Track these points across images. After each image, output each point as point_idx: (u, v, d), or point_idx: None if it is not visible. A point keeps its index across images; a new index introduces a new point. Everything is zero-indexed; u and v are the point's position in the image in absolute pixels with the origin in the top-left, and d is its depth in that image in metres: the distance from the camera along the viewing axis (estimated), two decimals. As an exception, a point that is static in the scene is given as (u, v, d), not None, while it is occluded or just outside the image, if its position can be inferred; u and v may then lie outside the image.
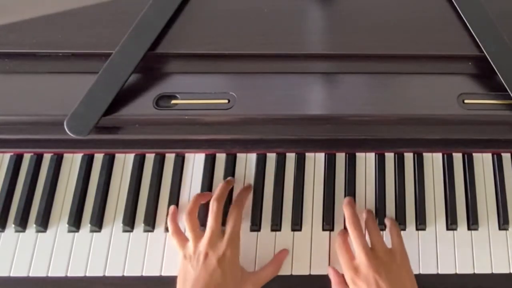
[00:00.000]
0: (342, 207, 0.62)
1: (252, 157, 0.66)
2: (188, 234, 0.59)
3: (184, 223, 0.60)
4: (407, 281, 0.55)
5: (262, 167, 0.65)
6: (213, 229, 0.57)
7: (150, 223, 0.62)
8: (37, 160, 0.66)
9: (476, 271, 0.61)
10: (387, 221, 0.62)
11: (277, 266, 0.59)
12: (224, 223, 0.60)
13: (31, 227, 0.63)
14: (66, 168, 0.66)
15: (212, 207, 0.59)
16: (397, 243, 0.58)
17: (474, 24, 0.58)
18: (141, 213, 0.63)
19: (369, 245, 0.57)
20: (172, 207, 0.63)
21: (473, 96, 0.57)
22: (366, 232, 0.60)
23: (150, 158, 0.66)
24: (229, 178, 0.64)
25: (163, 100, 0.57)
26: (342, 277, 0.58)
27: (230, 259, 0.55)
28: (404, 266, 0.56)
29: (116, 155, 0.66)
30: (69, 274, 0.60)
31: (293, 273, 0.61)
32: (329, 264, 0.61)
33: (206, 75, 0.59)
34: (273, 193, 0.64)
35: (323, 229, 0.63)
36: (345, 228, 0.62)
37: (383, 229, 0.62)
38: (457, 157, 0.66)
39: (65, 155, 0.67)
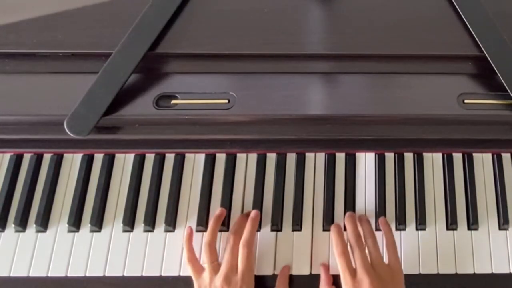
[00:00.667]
0: (345, 219, 0.62)
1: (252, 157, 0.66)
2: (206, 265, 0.59)
3: (202, 254, 0.60)
4: None
5: (262, 167, 0.65)
6: (229, 264, 0.57)
7: (150, 223, 0.62)
8: (37, 160, 0.66)
9: (476, 271, 0.61)
10: (384, 235, 0.61)
11: (285, 284, 0.60)
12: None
13: (31, 227, 0.63)
14: (66, 168, 0.66)
15: (230, 241, 0.59)
16: (393, 260, 0.58)
17: (474, 24, 0.58)
18: (141, 213, 0.63)
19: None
20: (188, 228, 0.62)
21: (473, 96, 0.57)
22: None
23: (150, 158, 0.66)
24: (255, 214, 0.62)
25: (163, 100, 0.57)
26: (331, 278, 0.58)
27: None
28: (400, 284, 0.56)
29: (116, 155, 0.66)
30: (69, 274, 0.60)
31: (293, 273, 0.61)
32: (329, 265, 0.61)
33: (206, 75, 0.59)
34: (273, 193, 0.64)
35: (323, 229, 0.63)
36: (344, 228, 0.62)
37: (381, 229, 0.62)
38: (457, 157, 0.66)
39: (65, 155, 0.67)
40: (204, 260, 0.59)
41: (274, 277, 0.60)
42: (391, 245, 0.59)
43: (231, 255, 0.58)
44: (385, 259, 0.58)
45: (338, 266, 0.57)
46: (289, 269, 0.61)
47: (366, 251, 0.58)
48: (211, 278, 0.57)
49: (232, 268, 0.57)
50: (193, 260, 0.60)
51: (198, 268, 0.59)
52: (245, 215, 0.63)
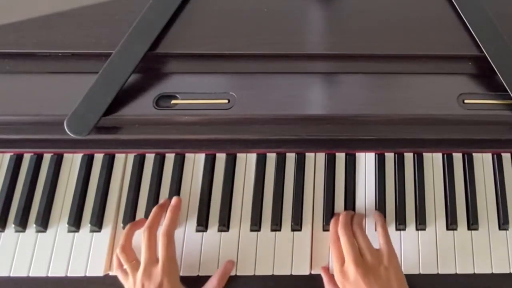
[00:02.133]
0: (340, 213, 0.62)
1: (252, 157, 0.66)
2: (126, 266, 0.58)
3: (120, 258, 0.59)
4: (394, 282, 0.55)
5: (262, 167, 0.65)
6: (146, 259, 0.57)
7: (150, 223, 0.62)
8: (37, 160, 0.66)
9: (476, 271, 0.61)
10: (376, 219, 0.62)
11: (222, 279, 0.59)
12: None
13: (31, 227, 0.63)
14: (66, 168, 0.66)
15: (144, 236, 0.58)
16: (384, 243, 0.58)
17: (474, 24, 0.58)
18: (141, 213, 0.63)
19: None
20: (121, 243, 0.60)
21: (473, 96, 0.57)
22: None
23: (150, 158, 0.66)
24: (162, 202, 0.63)
25: (163, 100, 0.57)
26: (332, 276, 0.58)
27: (168, 285, 0.55)
28: (392, 267, 0.56)
29: (116, 155, 0.66)
30: (69, 274, 0.60)
31: (293, 273, 0.61)
32: (329, 265, 0.61)
33: (206, 75, 0.59)
34: (273, 193, 0.64)
35: (323, 229, 0.63)
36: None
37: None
38: (457, 157, 0.66)
39: (65, 155, 0.66)
40: (123, 263, 0.59)
41: (273, 277, 0.61)
42: (382, 229, 0.60)
43: (147, 249, 0.57)
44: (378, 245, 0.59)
45: (332, 254, 0.58)
46: (232, 266, 0.61)
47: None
48: (133, 277, 0.57)
49: (151, 261, 0.57)
50: (119, 266, 0.60)
51: (124, 273, 0.59)
52: (159, 206, 0.62)
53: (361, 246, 0.57)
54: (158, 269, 0.56)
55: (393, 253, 0.58)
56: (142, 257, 0.57)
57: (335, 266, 0.56)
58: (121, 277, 0.59)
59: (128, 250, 0.59)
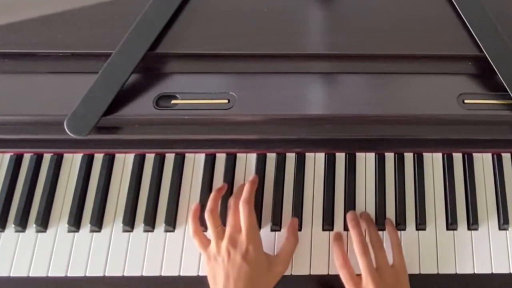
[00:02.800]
0: (348, 224, 0.61)
1: (252, 157, 0.66)
2: (210, 232, 0.59)
3: (206, 222, 0.60)
4: None
5: (262, 167, 0.65)
6: (233, 227, 0.58)
7: (150, 223, 0.62)
8: (37, 160, 0.66)
9: (476, 271, 0.61)
10: (389, 235, 0.61)
11: (295, 236, 0.60)
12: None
13: (31, 227, 0.63)
14: (66, 168, 0.66)
15: (230, 204, 0.60)
16: (399, 261, 0.58)
17: (474, 24, 0.58)
18: (141, 213, 0.63)
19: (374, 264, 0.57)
20: (195, 204, 0.63)
21: (473, 96, 0.57)
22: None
23: (150, 158, 0.66)
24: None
25: (163, 100, 0.57)
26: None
27: (253, 251, 0.56)
28: (405, 285, 0.57)
29: (116, 155, 0.66)
30: (69, 274, 0.60)
31: (293, 273, 0.61)
32: (328, 265, 0.61)
33: (206, 75, 0.59)
34: (273, 193, 0.64)
35: (323, 229, 0.63)
36: (345, 227, 0.62)
37: (383, 229, 0.62)
38: (457, 157, 0.66)
39: (65, 155, 0.66)
40: (209, 228, 0.59)
41: (274, 277, 0.60)
42: (396, 246, 0.60)
43: (233, 217, 0.59)
44: (390, 259, 0.59)
45: (341, 278, 0.57)
46: (297, 221, 0.62)
47: (372, 255, 0.58)
48: (217, 244, 0.57)
49: (236, 229, 0.58)
50: (199, 233, 0.60)
51: (204, 240, 0.59)
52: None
53: (379, 265, 0.57)
54: (243, 237, 0.56)
55: (406, 270, 0.58)
56: (228, 225, 0.58)
57: (349, 285, 0.56)
58: (198, 244, 0.59)
59: (215, 215, 0.60)
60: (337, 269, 0.58)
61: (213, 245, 0.58)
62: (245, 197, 0.59)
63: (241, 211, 0.58)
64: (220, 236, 0.58)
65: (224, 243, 0.57)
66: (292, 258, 0.61)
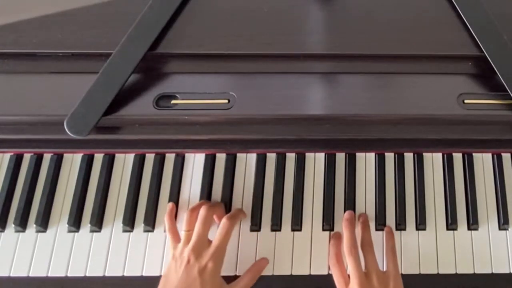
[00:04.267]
0: (342, 223, 0.61)
1: (252, 157, 0.66)
2: (182, 233, 0.58)
3: (184, 220, 0.59)
4: None
5: (262, 167, 0.65)
6: (200, 236, 0.56)
7: (150, 223, 0.62)
8: (37, 160, 0.66)
9: (476, 271, 0.61)
10: (385, 241, 0.61)
11: (255, 275, 0.59)
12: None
13: (31, 227, 0.63)
14: (66, 168, 0.66)
15: (203, 212, 0.58)
16: (392, 267, 0.58)
17: (474, 24, 0.58)
18: (141, 213, 0.63)
19: (364, 269, 0.57)
20: (170, 203, 0.63)
21: (473, 96, 0.57)
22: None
23: (150, 158, 0.66)
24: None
25: (163, 100, 0.57)
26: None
27: (211, 271, 0.54)
28: None
29: (116, 155, 0.66)
30: (69, 274, 0.60)
31: (293, 273, 0.61)
32: (328, 265, 0.61)
33: (206, 75, 0.59)
34: (273, 193, 0.64)
35: (323, 229, 0.63)
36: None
37: (382, 229, 0.62)
38: (457, 157, 0.66)
39: (65, 155, 0.67)
40: (183, 226, 0.59)
41: (273, 277, 0.60)
42: (390, 252, 0.59)
43: (203, 226, 0.57)
44: (385, 266, 0.59)
45: (333, 276, 0.58)
46: (266, 263, 0.60)
47: (362, 258, 0.57)
48: (183, 248, 0.57)
49: (204, 240, 0.57)
50: (173, 231, 0.60)
51: (176, 239, 0.59)
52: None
53: (368, 268, 0.57)
54: (209, 252, 0.55)
55: (400, 278, 0.57)
56: (196, 232, 0.56)
57: (338, 286, 0.56)
58: (170, 241, 0.59)
59: (194, 217, 0.59)
60: (330, 267, 0.59)
61: (180, 245, 0.57)
62: (233, 214, 0.59)
63: (222, 225, 0.57)
64: (188, 240, 0.57)
65: (189, 248, 0.56)
66: (293, 261, 0.61)
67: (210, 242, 0.57)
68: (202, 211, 0.58)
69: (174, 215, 0.62)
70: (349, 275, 0.57)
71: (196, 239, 0.56)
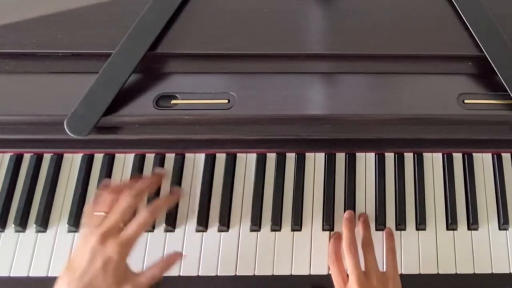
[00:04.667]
0: (342, 222, 0.61)
1: (252, 157, 0.66)
2: (95, 214, 0.54)
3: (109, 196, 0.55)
4: None
5: (262, 167, 0.65)
6: (112, 224, 0.52)
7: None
8: (37, 160, 0.66)
9: (476, 271, 0.61)
10: (385, 242, 0.61)
11: (163, 269, 0.55)
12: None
13: (31, 227, 0.63)
14: (66, 168, 0.66)
15: (124, 198, 0.54)
16: (391, 267, 0.58)
17: (474, 24, 0.58)
18: (141, 213, 0.63)
19: (363, 269, 0.56)
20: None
21: (473, 96, 0.57)
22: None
23: (150, 158, 0.66)
24: (158, 171, 0.60)
25: (163, 100, 0.57)
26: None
27: (116, 263, 0.50)
28: None
29: (116, 155, 0.66)
30: (69, 274, 0.60)
31: (293, 273, 0.61)
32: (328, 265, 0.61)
33: (206, 75, 0.59)
34: (273, 193, 0.64)
35: (323, 229, 0.63)
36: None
37: (383, 229, 0.62)
38: (457, 157, 0.66)
39: (65, 155, 0.67)
40: (101, 205, 0.54)
41: (273, 277, 0.60)
42: (390, 253, 0.59)
43: (120, 215, 0.53)
44: (384, 266, 0.59)
45: (331, 274, 0.58)
46: (178, 257, 0.57)
47: (362, 257, 0.57)
48: (91, 230, 0.52)
49: (115, 229, 0.52)
50: (88, 211, 0.55)
51: (90, 219, 0.54)
52: (155, 176, 0.60)
53: (367, 267, 0.56)
54: (116, 243, 0.51)
55: (398, 279, 0.57)
56: (109, 218, 0.52)
57: (336, 285, 0.56)
58: (85, 218, 0.56)
59: (116, 198, 0.55)
60: (329, 265, 0.59)
61: (89, 228, 0.53)
62: (156, 205, 0.55)
63: (139, 215, 0.53)
64: (101, 222, 0.53)
65: (95, 235, 0.51)
66: (293, 261, 0.61)
67: (120, 231, 0.52)
68: (125, 202, 0.54)
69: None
70: (348, 274, 0.57)
71: (107, 226, 0.52)
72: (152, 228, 0.63)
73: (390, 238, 0.61)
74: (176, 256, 0.57)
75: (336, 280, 0.57)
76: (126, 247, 0.52)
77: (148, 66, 0.59)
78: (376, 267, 0.57)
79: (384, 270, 0.58)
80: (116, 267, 0.51)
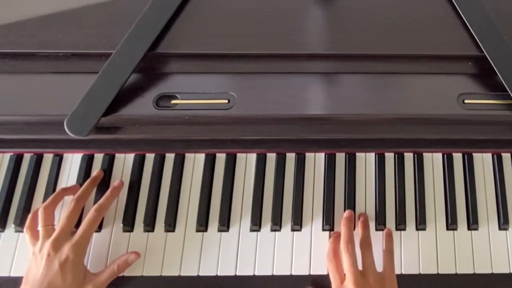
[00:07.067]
0: (341, 221, 0.61)
1: (252, 157, 0.66)
2: (40, 229, 0.58)
3: (38, 218, 0.58)
4: None
5: (262, 167, 0.65)
6: (63, 229, 0.56)
7: (150, 223, 0.62)
8: (37, 160, 0.66)
9: (476, 271, 0.61)
10: (384, 242, 0.61)
11: (121, 268, 0.58)
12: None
13: (31, 227, 0.63)
14: (66, 168, 0.66)
15: (70, 205, 0.58)
16: (388, 268, 0.58)
17: (474, 24, 0.58)
18: (141, 213, 0.63)
19: (361, 267, 0.57)
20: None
21: (473, 96, 0.57)
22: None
23: (150, 158, 0.66)
24: (96, 173, 0.63)
25: (163, 100, 0.57)
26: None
27: (72, 261, 0.54)
28: None
29: (116, 155, 0.66)
30: (69, 274, 0.60)
31: (293, 273, 0.61)
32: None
33: (206, 75, 0.59)
34: (273, 193, 0.64)
35: (323, 229, 0.63)
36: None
37: (383, 229, 0.62)
38: (457, 157, 0.66)
39: (65, 155, 0.67)
40: (39, 224, 0.58)
41: (273, 277, 0.60)
42: (388, 253, 0.59)
43: (67, 219, 0.57)
44: (381, 266, 0.58)
45: (328, 271, 0.58)
46: (136, 258, 0.60)
47: (359, 256, 0.57)
48: (42, 243, 0.56)
49: (66, 233, 0.56)
50: (31, 228, 0.58)
51: (35, 236, 0.58)
52: (92, 180, 0.63)
53: (364, 267, 0.57)
54: (69, 244, 0.55)
55: (395, 280, 0.57)
56: (59, 226, 0.56)
57: (333, 283, 0.56)
58: (29, 239, 0.58)
59: (50, 212, 0.59)
60: (326, 262, 0.59)
61: (38, 243, 0.56)
62: (101, 204, 0.59)
63: (89, 216, 0.57)
64: (48, 234, 0.56)
65: (48, 242, 0.55)
66: (292, 261, 0.61)
67: (72, 234, 0.56)
68: (70, 205, 0.58)
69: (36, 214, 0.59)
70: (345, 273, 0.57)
71: (58, 233, 0.56)
72: (152, 228, 0.63)
73: (389, 238, 0.61)
74: (134, 256, 0.59)
75: (333, 277, 0.57)
76: (80, 246, 0.56)
77: (148, 66, 0.59)
78: (373, 267, 0.57)
79: (381, 270, 0.58)
80: (74, 266, 0.54)
